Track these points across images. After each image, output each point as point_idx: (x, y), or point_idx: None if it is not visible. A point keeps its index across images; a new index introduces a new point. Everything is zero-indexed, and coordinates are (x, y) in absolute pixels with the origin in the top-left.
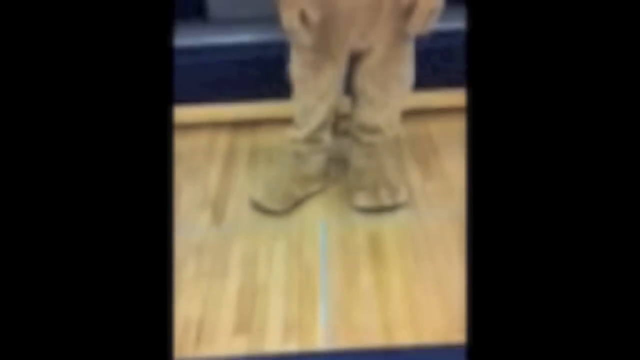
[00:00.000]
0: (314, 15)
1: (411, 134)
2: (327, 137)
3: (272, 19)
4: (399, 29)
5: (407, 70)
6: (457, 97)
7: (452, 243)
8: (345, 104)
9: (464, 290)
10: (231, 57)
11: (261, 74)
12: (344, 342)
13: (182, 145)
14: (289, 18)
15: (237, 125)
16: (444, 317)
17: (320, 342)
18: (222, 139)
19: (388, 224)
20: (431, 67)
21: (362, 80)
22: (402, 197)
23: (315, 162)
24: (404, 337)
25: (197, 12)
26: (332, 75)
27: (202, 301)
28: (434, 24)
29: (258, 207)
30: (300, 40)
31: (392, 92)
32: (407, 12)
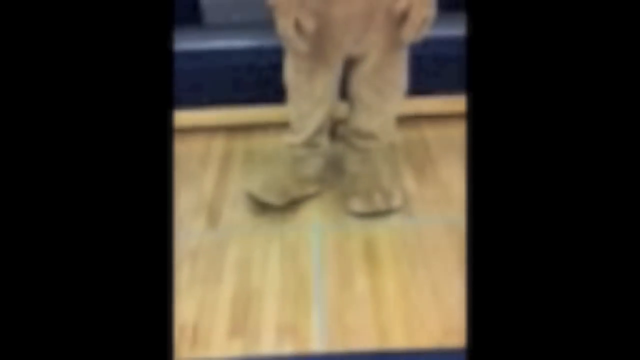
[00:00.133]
0: (308, 24)
1: (406, 140)
2: (324, 141)
3: (267, 25)
4: (392, 36)
5: (402, 76)
6: (452, 104)
7: (447, 249)
8: (342, 109)
9: (459, 294)
10: (226, 62)
11: (257, 79)
12: (338, 346)
13: (178, 150)
14: (284, 26)
15: (233, 129)
16: (439, 321)
17: (314, 346)
18: (218, 144)
19: (383, 229)
20: (426, 74)
21: (357, 86)
22: (397, 202)
23: (313, 164)
24: (399, 341)
25: (193, 17)
26: (327, 81)
27: (197, 305)
28: (426, 31)
29: (254, 200)
30: (295, 47)
31: (387, 98)
32: (400, 20)
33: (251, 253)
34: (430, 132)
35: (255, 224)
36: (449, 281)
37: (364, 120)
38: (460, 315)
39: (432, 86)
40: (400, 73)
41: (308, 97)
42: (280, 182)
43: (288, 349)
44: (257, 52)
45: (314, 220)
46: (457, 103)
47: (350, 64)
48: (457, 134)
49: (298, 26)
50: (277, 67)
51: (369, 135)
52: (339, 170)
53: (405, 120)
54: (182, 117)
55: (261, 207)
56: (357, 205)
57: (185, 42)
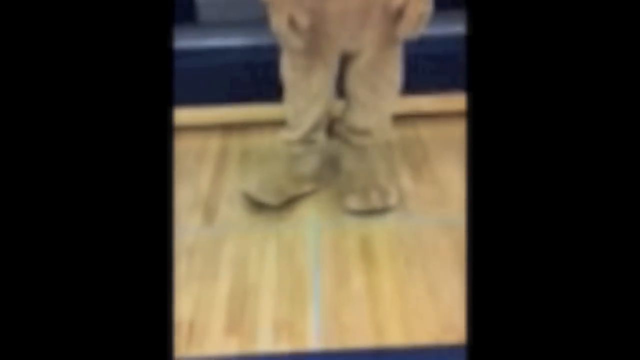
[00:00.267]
0: (303, 20)
1: (402, 138)
2: (321, 138)
3: (262, 22)
4: (388, 33)
5: (397, 73)
6: (449, 102)
7: (443, 246)
8: (339, 106)
9: (455, 292)
10: (222, 60)
11: (252, 76)
12: (335, 344)
13: (174, 147)
14: (278, 23)
15: (229, 127)
16: (435, 319)
17: (311, 343)
18: (214, 142)
19: (379, 227)
20: (422, 72)
21: (353, 83)
22: (393, 199)
23: (310, 162)
24: (395, 338)
25: (188, 15)
26: (323, 78)
27: (194, 302)
28: (423, 29)
29: (250, 200)
30: (290, 44)
31: (382, 95)
32: (396, 17)
33: (247, 250)
34: (427, 131)
35: (252, 221)
36: (446, 279)
37: (359, 118)
38: (457, 312)
39: (428, 84)
40: (395, 70)
41: (304, 94)
42: (277, 182)
43: (284, 346)
44: (253, 50)
45: (310, 218)
46: (454, 101)
47: (346, 61)
48: (453, 133)
49: (292, 23)
50: (272, 65)
51: (365, 133)
52: (335, 168)
53: (401, 119)
54: (178, 115)
55: (258, 206)
56: (354, 202)
57: (180, 41)
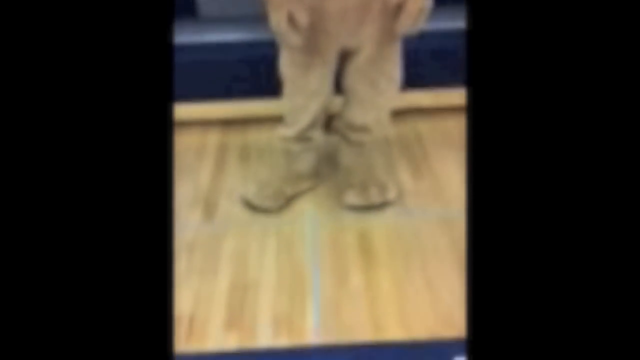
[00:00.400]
0: (302, 18)
1: (401, 133)
2: (317, 135)
3: (262, 18)
4: (388, 28)
5: (396, 69)
6: (448, 97)
7: (442, 242)
8: (337, 102)
9: (454, 288)
10: (221, 56)
11: (251, 72)
12: (334, 338)
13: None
14: (277, 20)
15: (228, 123)
16: (433, 314)
17: (310, 338)
18: (213, 137)
19: (378, 222)
20: (421, 67)
21: (352, 79)
22: (391, 195)
23: (306, 160)
24: (393, 334)
25: (188, 10)
26: (322, 74)
27: (194, 297)
28: (422, 24)
29: (249, 206)
30: (289, 41)
31: (382, 91)
32: (396, 12)
33: (247, 246)
34: (426, 126)
35: (251, 216)
36: (444, 274)
37: (358, 114)
38: (455, 307)
39: (426, 79)
40: (394, 66)
41: (303, 90)
42: (274, 184)
43: (284, 340)
44: (252, 45)
45: (309, 213)
46: (452, 96)
47: (345, 57)
48: (452, 128)
49: (291, 20)
50: (272, 61)
51: (363, 129)
52: (334, 164)
53: (400, 114)
54: (177, 111)
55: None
56: (352, 198)
57: (180, 36)
